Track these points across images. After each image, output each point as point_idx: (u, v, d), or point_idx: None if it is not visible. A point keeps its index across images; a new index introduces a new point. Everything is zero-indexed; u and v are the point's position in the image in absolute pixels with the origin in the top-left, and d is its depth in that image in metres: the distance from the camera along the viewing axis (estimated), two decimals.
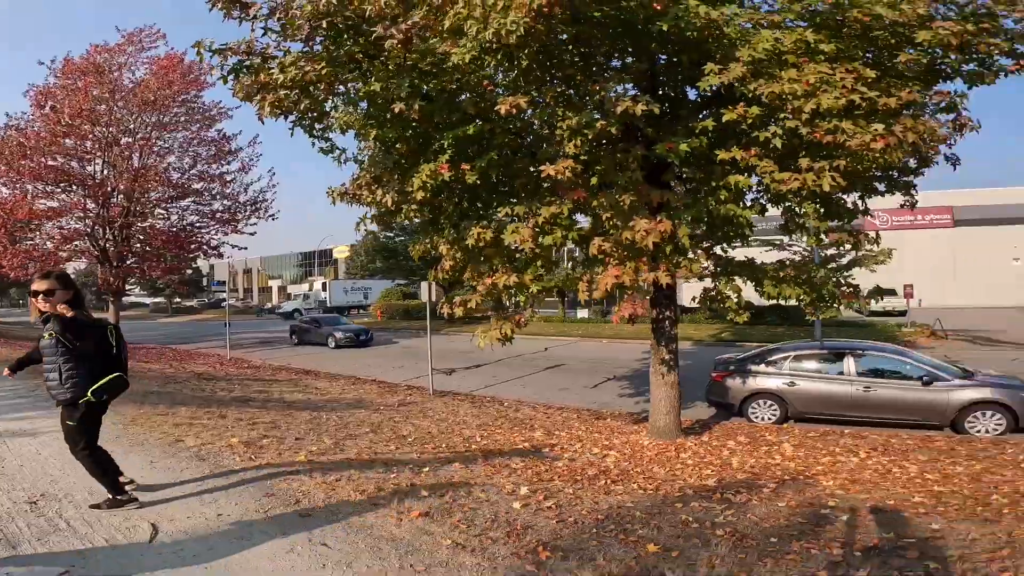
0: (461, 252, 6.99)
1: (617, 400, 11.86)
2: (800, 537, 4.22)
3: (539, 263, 6.70)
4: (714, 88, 6.09)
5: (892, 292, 26.10)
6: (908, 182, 7.56)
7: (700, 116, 6.46)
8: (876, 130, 4.78)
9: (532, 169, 6.63)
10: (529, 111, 6.37)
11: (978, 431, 8.23)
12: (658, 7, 5.34)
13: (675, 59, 6.72)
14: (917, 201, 7.59)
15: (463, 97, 6.64)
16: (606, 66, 7.05)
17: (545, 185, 6.43)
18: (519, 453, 7.34)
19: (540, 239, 6.17)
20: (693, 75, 6.10)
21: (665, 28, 5.34)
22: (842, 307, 7.77)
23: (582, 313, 30.77)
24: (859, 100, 4.77)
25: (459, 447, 7.54)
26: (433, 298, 13.07)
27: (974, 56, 5.94)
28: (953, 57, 5.92)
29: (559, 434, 8.51)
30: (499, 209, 6.95)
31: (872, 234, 7.30)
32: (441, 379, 14.50)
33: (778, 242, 19.88)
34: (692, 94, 7.33)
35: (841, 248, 21.48)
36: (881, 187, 7.92)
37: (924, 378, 8.55)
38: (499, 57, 6.01)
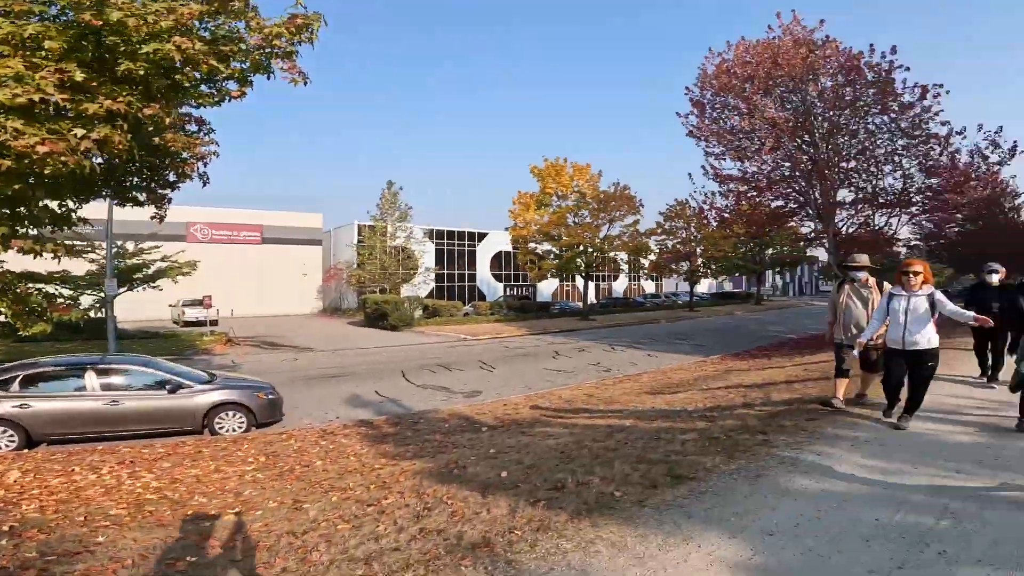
0: None
1: None
2: None
3: None
4: None
5: (200, 303, 27.64)
6: (163, 195, 7.82)
7: None
8: (45, 134, 4.46)
9: None
10: None
11: (226, 430, 8.97)
12: None
13: None
14: (165, 215, 7.92)
15: None
16: None
17: None
18: None
19: None
20: None
21: None
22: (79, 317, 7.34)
23: None
24: (40, 100, 4.35)
25: None
26: None
27: (212, 79, 6.36)
28: (197, 74, 6.01)
29: None
30: None
31: (73, 243, 6.99)
32: None
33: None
34: None
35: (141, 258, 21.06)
36: (142, 197, 7.94)
37: (169, 386, 8.81)
38: None
